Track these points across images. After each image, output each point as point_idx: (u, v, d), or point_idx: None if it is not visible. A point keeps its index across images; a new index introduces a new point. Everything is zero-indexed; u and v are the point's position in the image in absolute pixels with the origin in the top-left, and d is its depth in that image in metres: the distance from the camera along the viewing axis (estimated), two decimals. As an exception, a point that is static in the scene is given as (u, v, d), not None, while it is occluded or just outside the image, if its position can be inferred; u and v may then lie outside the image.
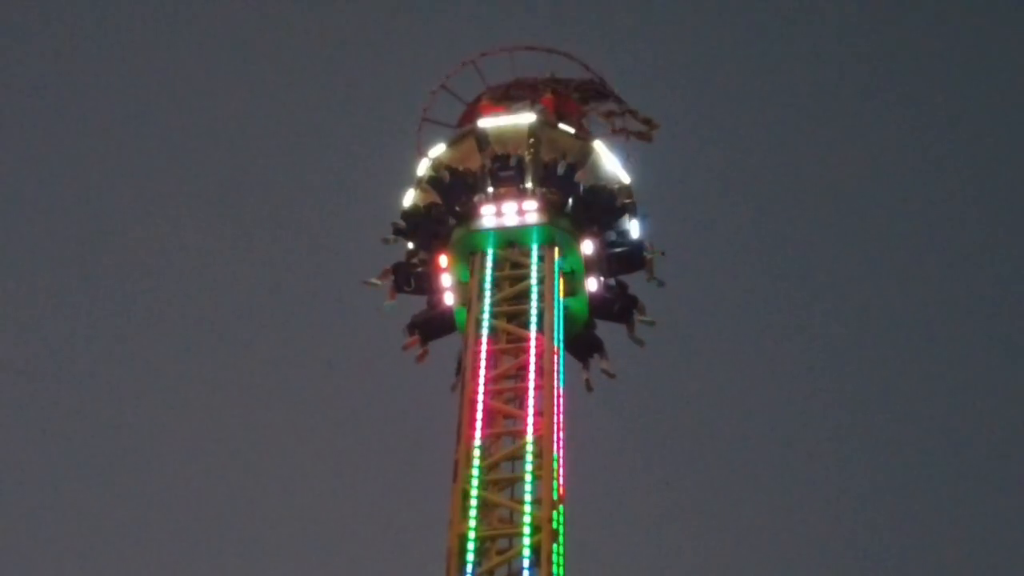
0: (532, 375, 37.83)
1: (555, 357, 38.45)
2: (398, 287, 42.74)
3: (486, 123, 43.62)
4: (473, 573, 34.38)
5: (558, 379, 38.21)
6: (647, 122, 45.31)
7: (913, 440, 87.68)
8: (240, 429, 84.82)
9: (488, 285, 39.91)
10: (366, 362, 77.99)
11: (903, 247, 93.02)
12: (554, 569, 34.41)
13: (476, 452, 36.21)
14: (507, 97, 45.05)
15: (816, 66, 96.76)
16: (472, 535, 34.88)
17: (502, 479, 36.34)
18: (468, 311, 40.03)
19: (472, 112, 45.19)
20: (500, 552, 35.28)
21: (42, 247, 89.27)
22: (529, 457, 36.08)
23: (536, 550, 34.59)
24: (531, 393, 37.43)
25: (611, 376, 42.17)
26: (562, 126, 43.84)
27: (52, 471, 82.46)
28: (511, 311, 39.61)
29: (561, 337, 39.42)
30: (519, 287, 39.92)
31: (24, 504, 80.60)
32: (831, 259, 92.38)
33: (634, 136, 45.11)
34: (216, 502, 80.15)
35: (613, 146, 44.42)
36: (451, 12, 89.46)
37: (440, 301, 42.01)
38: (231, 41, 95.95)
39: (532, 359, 38.12)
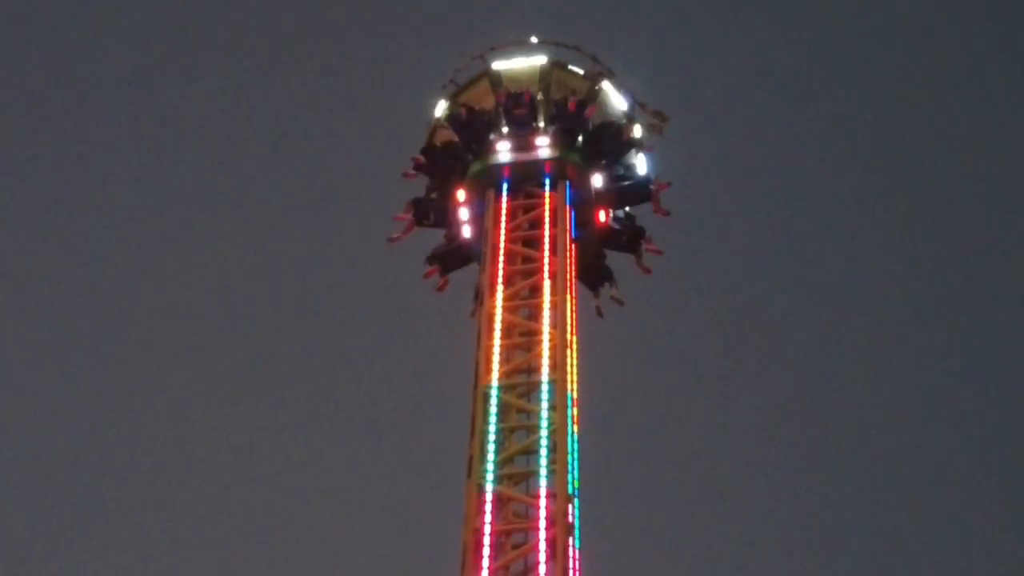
0: (545, 368, 37.89)
1: (568, 350, 38.45)
2: (418, 221, 44.73)
3: (499, 65, 45.32)
4: (488, 568, 34.36)
5: (571, 370, 38.27)
6: (657, 115, 45.87)
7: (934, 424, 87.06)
8: (247, 425, 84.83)
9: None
10: (382, 353, 78.08)
11: (919, 212, 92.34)
12: (569, 563, 34.37)
13: (490, 447, 36.28)
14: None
15: (822, 52, 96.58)
16: (487, 530, 34.90)
17: (517, 473, 36.37)
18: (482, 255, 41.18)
19: None
20: (516, 547, 35.27)
21: (42, 246, 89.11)
22: (543, 451, 36.10)
23: (552, 544, 34.53)
24: (544, 386, 37.43)
25: (620, 303, 44.42)
26: (571, 67, 45.35)
27: (52, 471, 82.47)
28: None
29: (574, 327, 39.50)
30: (532, 278, 40.14)
31: (24, 504, 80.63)
32: (839, 194, 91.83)
33: (644, 129, 45.38)
34: (219, 503, 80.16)
35: (621, 87, 45.80)
36: (460, 6, 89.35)
37: (458, 234, 43.92)
38: (238, 37, 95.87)
39: (545, 350, 38.09)
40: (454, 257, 44.21)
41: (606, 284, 44.41)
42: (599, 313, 44.09)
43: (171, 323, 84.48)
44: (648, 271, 44.61)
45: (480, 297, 40.90)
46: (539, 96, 44.05)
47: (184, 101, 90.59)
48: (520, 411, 37.50)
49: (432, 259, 44.45)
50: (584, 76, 45.15)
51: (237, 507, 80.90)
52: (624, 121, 44.83)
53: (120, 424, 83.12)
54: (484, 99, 44.69)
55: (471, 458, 36.26)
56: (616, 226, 44.17)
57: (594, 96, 44.72)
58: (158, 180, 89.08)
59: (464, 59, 46.11)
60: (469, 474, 35.96)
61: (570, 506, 35.24)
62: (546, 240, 40.98)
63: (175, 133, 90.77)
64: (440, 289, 44.37)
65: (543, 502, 35.22)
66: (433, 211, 44.57)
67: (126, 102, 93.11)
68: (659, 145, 45.34)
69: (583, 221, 42.95)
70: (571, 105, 43.82)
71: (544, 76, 44.60)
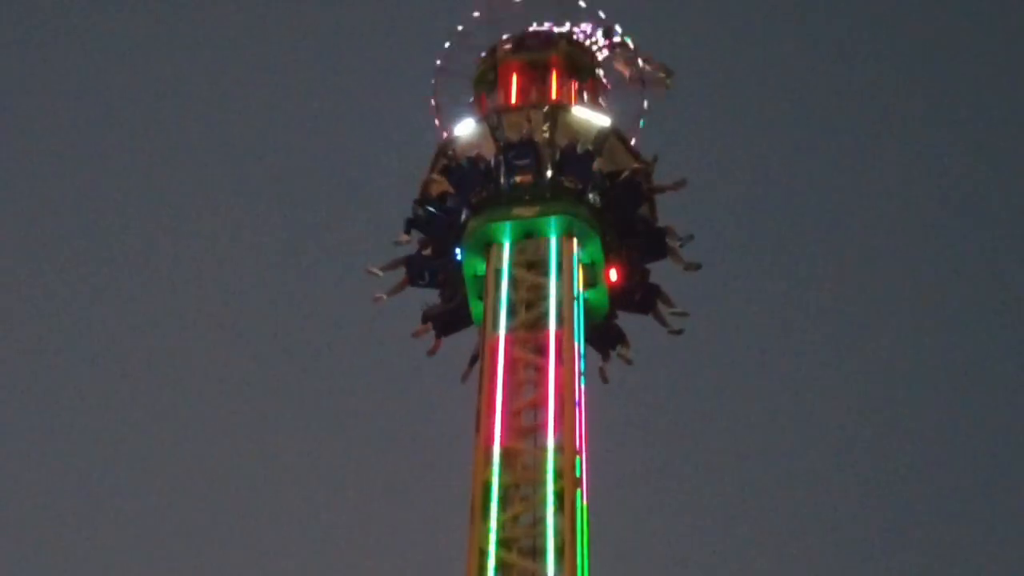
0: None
1: (574, 303, 38.49)
2: (412, 280, 41.39)
3: (499, 109, 42.13)
4: (498, 520, 34.59)
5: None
6: (663, 68, 44.59)
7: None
8: (251, 416, 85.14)
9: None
10: (386, 338, 78.20)
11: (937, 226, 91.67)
12: (577, 515, 34.58)
13: (499, 400, 36.38)
14: (522, 47, 44.24)
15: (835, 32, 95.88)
16: (495, 483, 35.17)
17: (524, 428, 36.43)
18: (485, 305, 38.89)
19: (490, 61, 44.55)
20: (524, 499, 35.39)
21: (42, 245, 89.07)
22: (550, 405, 36.21)
23: (559, 497, 34.82)
24: (551, 340, 37.43)
25: (628, 362, 41.30)
26: (576, 111, 42.04)
27: (52, 471, 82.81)
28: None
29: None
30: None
31: (24, 504, 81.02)
32: (867, 239, 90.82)
33: (651, 85, 44.57)
34: (246, 461, 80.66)
35: (631, 128, 43.17)
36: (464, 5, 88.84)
37: (455, 295, 40.76)
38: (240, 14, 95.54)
39: (552, 305, 38.11)
40: (451, 318, 40.97)
41: (618, 346, 41.26)
42: (604, 379, 41.14)
43: (165, 351, 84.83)
44: (679, 332, 41.35)
45: (476, 359, 38.91)
46: (542, 143, 40.51)
47: (186, 120, 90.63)
48: (527, 365, 37.48)
49: (427, 318, 41.23)
50: (591, 121, 41.86)
51: (244, 482, 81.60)
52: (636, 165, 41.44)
53: (122, 431, 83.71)
54: (483, 146, 41.39)
55: (479, 413, 36.52)
56: (628, 285, 40.66)
57: (602, 143, 41.30)
58: (162, 202, 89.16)
59: (469, 17, 45.86)
60: (477, 429, 36.19)
61: (577, 459, 35.41)
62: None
63: (179, 144, 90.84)
64: (431, 352, 41.26)
65: (550, 455, 35.43)
66: (428, 270, 41.27)
67: (128, 117, 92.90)
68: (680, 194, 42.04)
69: (592, 281, 39.77)
70: (579, 151, 40.55)
71: (549, 120, 41.21)
